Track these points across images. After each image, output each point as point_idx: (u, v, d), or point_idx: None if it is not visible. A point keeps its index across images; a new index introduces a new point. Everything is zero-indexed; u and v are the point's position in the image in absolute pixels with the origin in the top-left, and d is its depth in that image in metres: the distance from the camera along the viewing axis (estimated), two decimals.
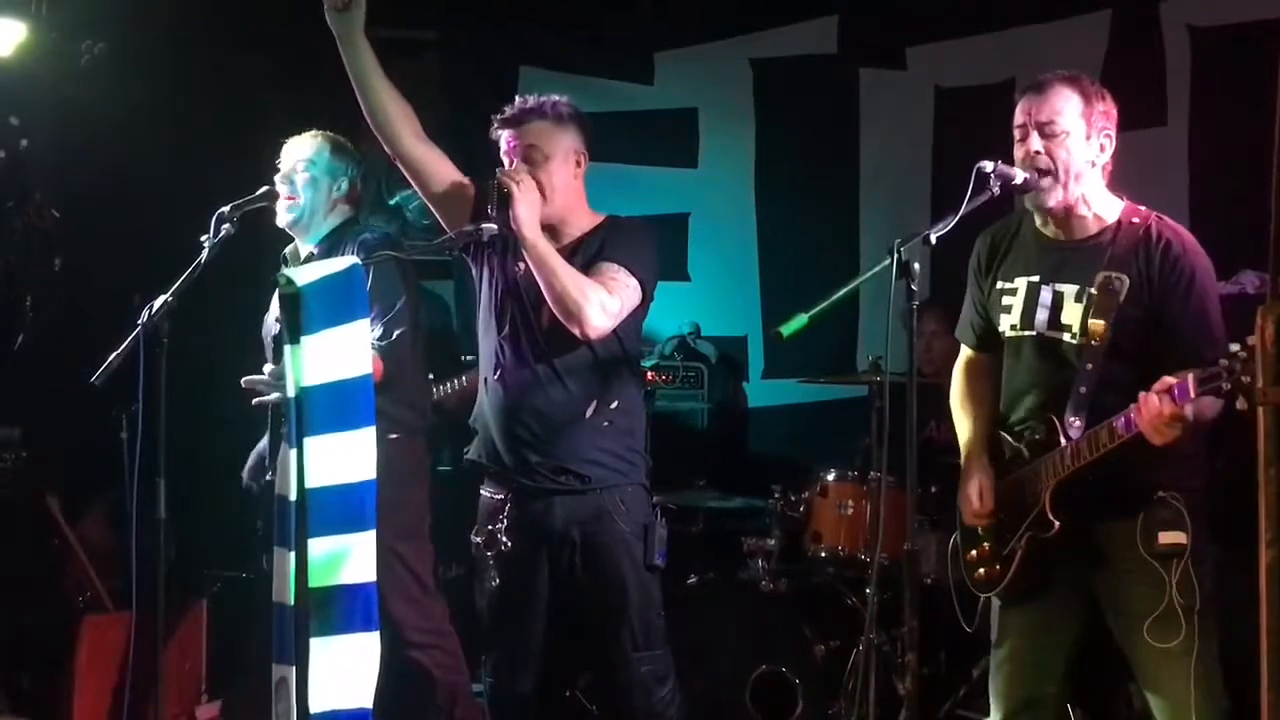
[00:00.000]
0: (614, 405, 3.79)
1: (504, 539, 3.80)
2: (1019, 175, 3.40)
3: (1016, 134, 3.44)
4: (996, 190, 3.38)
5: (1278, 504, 1.75)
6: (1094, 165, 3.41)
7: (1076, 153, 3.39)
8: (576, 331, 3.66)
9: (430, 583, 4.49)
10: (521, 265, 3.79)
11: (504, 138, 3.82)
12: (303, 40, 6.52)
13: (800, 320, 3.30)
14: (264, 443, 4.63)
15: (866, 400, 5.25)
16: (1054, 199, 3.40)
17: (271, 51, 6.39)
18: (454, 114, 6.58)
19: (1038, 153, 3.38)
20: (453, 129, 5.60)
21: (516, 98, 3.86)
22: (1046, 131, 3.38)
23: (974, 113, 5.86)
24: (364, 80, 3.83)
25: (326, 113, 6.45)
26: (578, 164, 3.85)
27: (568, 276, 3.65)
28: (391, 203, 3.96)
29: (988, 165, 3.38)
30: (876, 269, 3.32)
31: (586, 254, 3.79)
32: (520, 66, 6.79)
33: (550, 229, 3.79)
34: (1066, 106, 3.39)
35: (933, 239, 3.29)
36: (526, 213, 3.66)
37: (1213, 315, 3.31)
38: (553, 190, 3.77)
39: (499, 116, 3.84)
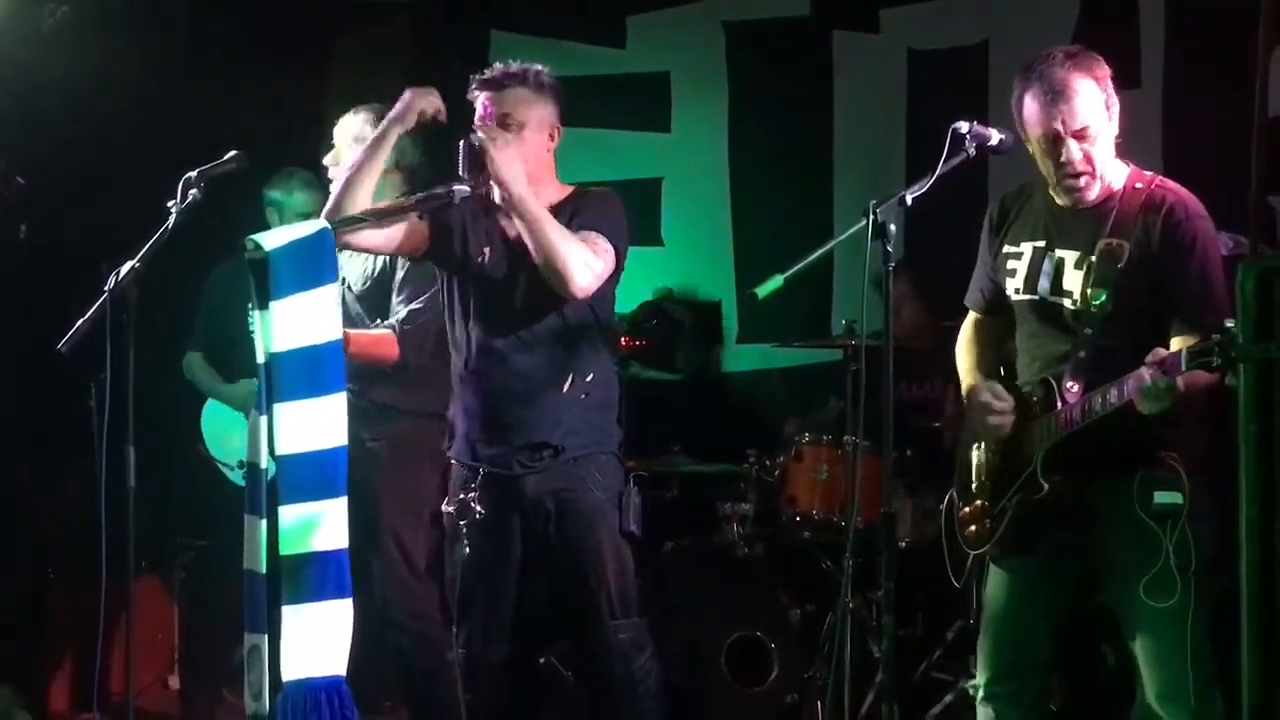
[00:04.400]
0: (590, 378, 3.78)
1: (477, 507, 3.78)
2: (994, 136, 3.38)
3: (1042, 144, 3.33)
4: (973, 151, 3.35)
5: (1258, 462, 1.74)
6: (1114, 138, 3.36)
7: (1104, 142, 3.33)
8: (563, 290, 3.64)
9: (421, 566, 4.46)
10: (488, 250, 3.77)
11: (481, 100, 3.79)
12: (273, 5, 6.49)
13: (776, 281, 3.30)
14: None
15: (841, 364, 5.23)
16: (1094, 192, 3.36)
17: (239, 17, 6.32)
18: (425, 78, 6.50)
19: (1080, 161, 3.30)
20: None
21: (497, 63, 3.82)
22: (1081, 136, 3.30)
23: (948, 75, 5.84)
24: (371, 177, 3.72)
25: (293, 79, 6.42)
26: (550, 137, 3.83)
27: (555, 233, 3.62)
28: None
29: (963, 126, 3.35)
30: (853, 230, 3.31)
31: (567, 220, 3.75)
32: (491, 30, 6.73)
33: None
34: (1092, 104, 3.28)
35: (909, 200, 3.27)
36: (514, 168, 3.61)
37: (1215, 280, 3.27)
38: (524, 160, 3.72)
39: (478, 77, 3.80)
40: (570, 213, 3.77)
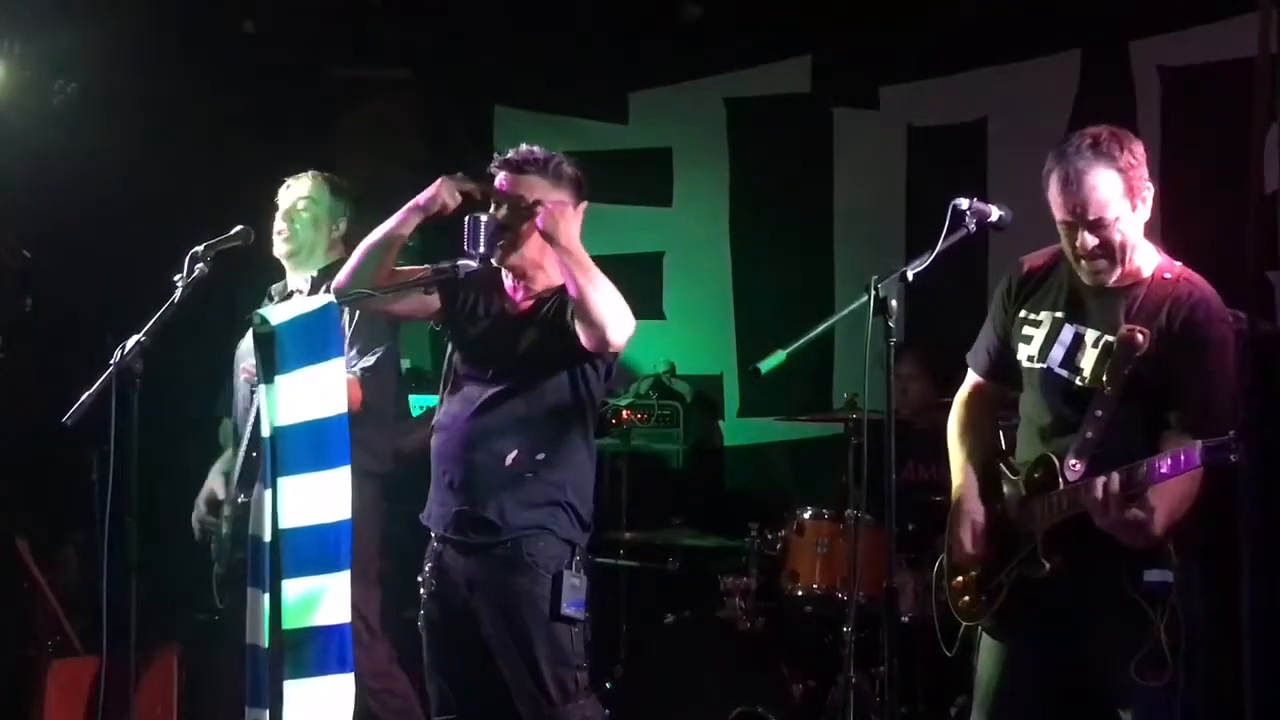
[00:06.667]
0: (541, 457, 3.74)
1: (431, 577, 3.84)
2: (995, 212, 3.40)
3: (1061, 227, 3.35)
4: (973, 228, 3.37)
5: (1264, 540, 1.75)
6: (1143, 224, 3.36)
7: (1129, 229, 3.32)
8: (595, 341, 3.62)
9: (376, 625, 4.53)
10: (483, 320, 3.81)
11: (500, 179, 3.82)
12: (277, 81, 6.56)
13: (779, 357, 3.30)
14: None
15: (842, 438, 5.24)
16: (1114, 277, 3.35)
17: (246, 91, 6.39)
18: (427, 153, 6.58)
19: (1095, 248, 3.31)
20: (426, 169, 5.60)
21: (524, 144, 3.84)
22: (1096, 225, 3.29)
23: (947, 151, 5.89)
24: (397, 244, 3.83)
25: (300, 152, 6.48)
26: None
27: (604, 285, 3.61)
28: None
29: (964, 203, 3.37)
30: (855, 305, 3.31)
31: (557, 305, 3.77)
32: (495, 106, 6.80)
33: (520, 278, 3.81)
34: (1110, 195, 3.27)
35: (910, 276, 3.28)
36: (561, 225, 3.64)
37: (1222, 387, 3.22)
38: (528, 243, 3.77)
39: (501, 156, 3.83)
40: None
